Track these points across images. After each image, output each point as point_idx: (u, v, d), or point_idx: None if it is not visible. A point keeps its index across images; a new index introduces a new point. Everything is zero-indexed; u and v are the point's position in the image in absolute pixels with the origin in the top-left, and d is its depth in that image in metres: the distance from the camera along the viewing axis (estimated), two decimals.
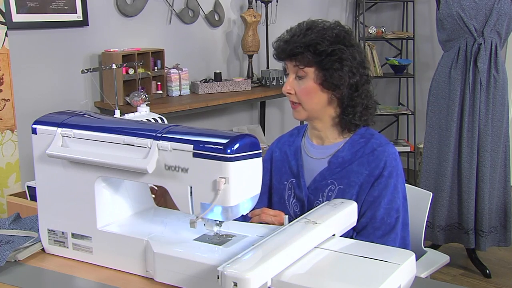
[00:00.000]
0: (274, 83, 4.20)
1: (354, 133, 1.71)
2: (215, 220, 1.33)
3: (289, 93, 1.66)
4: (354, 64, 1.63)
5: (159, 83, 3.77)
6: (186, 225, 1.35)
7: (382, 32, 4.92)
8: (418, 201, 2.14)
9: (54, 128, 1.43)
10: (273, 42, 1.71)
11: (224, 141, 1.23)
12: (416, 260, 1.30)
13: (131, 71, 3.50)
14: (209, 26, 4.24)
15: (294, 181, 1.75)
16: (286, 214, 1.54)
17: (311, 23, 1.66)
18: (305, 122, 1.85)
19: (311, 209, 1.64)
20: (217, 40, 4.31)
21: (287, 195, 1.75)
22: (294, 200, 1.73)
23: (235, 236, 1.38)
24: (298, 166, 1.75)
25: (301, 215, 1.64)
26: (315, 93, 1.64)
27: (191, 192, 1.28)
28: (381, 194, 1.62)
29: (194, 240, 1.36)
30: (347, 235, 1.59)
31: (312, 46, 1.59)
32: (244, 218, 1.75)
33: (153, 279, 1.34)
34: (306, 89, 1.63)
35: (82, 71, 2.71)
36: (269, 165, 1.83)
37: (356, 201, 1.61)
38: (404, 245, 1.65)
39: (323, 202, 1.66)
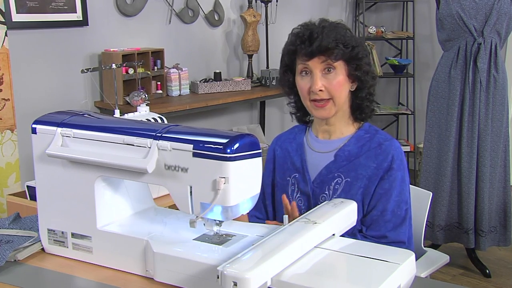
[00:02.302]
0: (274, 83, 4.19)
1: (359, 129, 1.75)
2: (215, 220, 1.33)
3: (321, 90, 1.64)
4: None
5: (159, 82, 3.77)
6: (186, 225, 1.35)
7: (382, 32, 4.93)
8: (418, 201, 2.14)
9: (54, 128, 1.43)
10: (289, 43, 1.70)
11: (224, 140, 1.23)
12: (416, 260, 1.30)
13: (131, 71, 3.50)
14: (209, 26, 4.24)
15: (297, 176, 1.76)
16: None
17: (315, 23, 1.68)
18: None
19: (317, 203, 1.68)
20: (217, 40, 4.31)
21: (291, 190, 1.76)
22: (298, 195, 1.74)
23: (235, 236, 1.38)
24: (301, 161, 1.76)
25: (306, 209, 1.66)
26: (345, 85, 1.67)
27: (191, 192, 1.28)
28: (391, 186, 1.65)
29: (194, 240, 1.36)
30: (354, 230, 1.60)
31: (341, 40, 1.63)
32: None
33: (153, 279, 1.34)
34: (339, 82, 1.65)
35: (82, 71, 2.71)
36: (272, 164, 1.84)
37: (363, 194, 1.65)
38: (409, 238, 1.69)
39: (329, 196, 1.69)
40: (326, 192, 1.70)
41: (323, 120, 1.73)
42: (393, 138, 1.73)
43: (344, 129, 1.74)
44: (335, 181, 1.69)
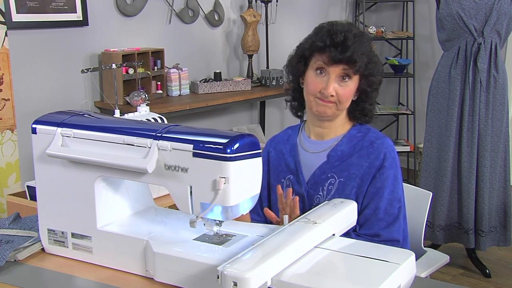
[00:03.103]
0: (274, 83, 4.19)
1: (352, 128, 1.75)
2: (215, 220, 1.33)
3: (332, 96, 1.65)
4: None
5: (159, 82, 3.77)
6: (186, 225, 1.35)
7: (382, 32, 4.92)
8: (418, 201, 2.14)
9: (54, 128, 1.43)
10: (317, 39, 1.66)
11: (224, 141, 1.23)
12: (416, 260, 1.30)
13: (131, 71, 3.50)
14: (209, 26, 4.24)
15: (291, 178, 1.75)
16: (285, 213, 1.55)
17: (344, 26, 1.68)
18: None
19: (312, 203, 1.67)
20: (217, 40, 4.31)
21: (286, 192, 1.75)
22: (293, 197, 1.73)
23: (235, 236, 1.38)
24: (295, 162, 1.76)
25: (301, 211, 1.65)
26: (352, 96, 1.69)
27: (191, 192, 1.28)
28: (383, 184, 1.65)
29: (194, 240, 1.36)
30: (350, 229, 1.59)
31: (367, 55, 1.66)
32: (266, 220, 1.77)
33: (153, 279, 1.34)
34: (349, 92, 1.67)
35: (82, 71, 2.71)
36: (266, 167, 1.83)
37: (357, 194, 1.65)
38: (404, 237, 1.68)
39: (323, 196, 1.68)
40: (320, 193, 1.69)
41: (318, 120, 1.72)
42: (385, 136, 1.73)
43: (337, 131, 1.74)
44: (328, 181, 1.69)
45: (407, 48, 5.07)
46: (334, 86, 1.64)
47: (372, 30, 4.88)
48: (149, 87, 3.63)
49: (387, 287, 1.15)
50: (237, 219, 1.46)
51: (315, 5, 4.96)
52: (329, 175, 1.69)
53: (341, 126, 1.74)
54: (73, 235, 1.46)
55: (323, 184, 1.69)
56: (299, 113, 1.84)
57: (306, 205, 1.70)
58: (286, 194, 1.62)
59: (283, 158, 1.79)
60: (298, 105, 1.81)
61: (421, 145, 4.43)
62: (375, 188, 1.65)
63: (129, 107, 3.34)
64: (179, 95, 3.87)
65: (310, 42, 1.70)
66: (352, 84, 1.66)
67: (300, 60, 1.72)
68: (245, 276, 1.09)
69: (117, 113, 2.48)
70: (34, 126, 1.46)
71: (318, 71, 1.66)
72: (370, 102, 1.73)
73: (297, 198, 1.61)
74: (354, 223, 1.53)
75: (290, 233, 1.29)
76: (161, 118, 2.40)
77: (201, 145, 1.24)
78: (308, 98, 1.70)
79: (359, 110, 1.73)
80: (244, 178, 1.26)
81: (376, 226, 1.64)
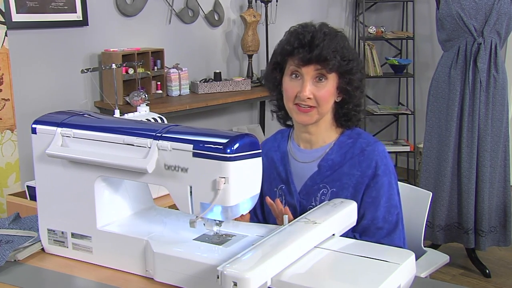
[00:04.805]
0: None
1: (341, 134, 1.70)
2: (215, 220, 1.33)
3: (309, 98, 1.60)
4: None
5: (158, 82, 3.77)
6: (186, 225, 1.35)
7: (382, 32, 4.92)
8: (418, 201, 2.14)
9: (54, 128, 1.43)
10: (286, 42, 1.63)
11: (224, 140, 1.23)
12: (416, 260, 1.30)
13: (131, 71, 3.50)
14: (209, 26, 4.24)
15: (283, 187, 1.72)
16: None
17: (315, 26, 1.63)
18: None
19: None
20: (217, 40, 4.32)
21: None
22: (285, 206, 1.71)
23: (235, 235, 1.38)
24: (286, 172, 1.72)
25: None
26: (332, 96, 1.64)
27: (190, 192, 1.28)
28: (379, 193, 1.62)
29: (194, 240, 1.36)
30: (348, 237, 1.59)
31: (340, 52, 1.60)
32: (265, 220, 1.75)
33: (153, 279, 1.34)
34: (328, 92, 1.61)
35: (82, 71, 2.71)
36: None
37: None
38: (403, 239, 1.66)
39: (316, 207, 1.65)
40: (313, 204, 1.66)
41: (303, 127, 1.68)
42: (377, 141, 1.68)
43: (326, 137, 1.69)
44: (320, 192, 1.65)
45: (407, 48, 5.07)
46: (310, 88, 1.59)
47: (372, 30, 4.88)
48: (149, 87, 3.63)
49: (387, 287, 1.15)
50: (237, 219, 1.46)
51: (315, 5, 4.96)
52: (321, 185, 1.66)
53: (328, 131, 1.69)
54: (73, 235, 1.46)
55: (315, 195, 1.66)
56: (287, 122, 1.79)
57: (299, 215, 1.67)
58: (276, 204, 1.58)
59: (275, 167, 1.75)
60: (285, 114, 1.76)
61: (421, 145, 4.43)
62: (371, 198, 1.62)
63: (129, 107, 3.34)
64: (179, 95, 3.87)
65: (280, 46, 1.66)
66: (329, 85, 1.61)
67: (275, 67, 1.68)
68: (245, 276, 1.09)
69: (117, 113, 2.48)
70: (34, 126, 1.46)
71: (293, 75, 1.62)
72: (355, 103, 1.66)
73: (287, 208, 1.58)
74: (354, 223, 1.52)
75: (290, 233, 1.29)
76: (161, 118, 2.40)
77: (201, 145, 1.24)
78: (287, 106, 1.66)
79: (343, 114, 1.68)
80: (244, 178, 1.26)
81: (376, 235, 1.61)
